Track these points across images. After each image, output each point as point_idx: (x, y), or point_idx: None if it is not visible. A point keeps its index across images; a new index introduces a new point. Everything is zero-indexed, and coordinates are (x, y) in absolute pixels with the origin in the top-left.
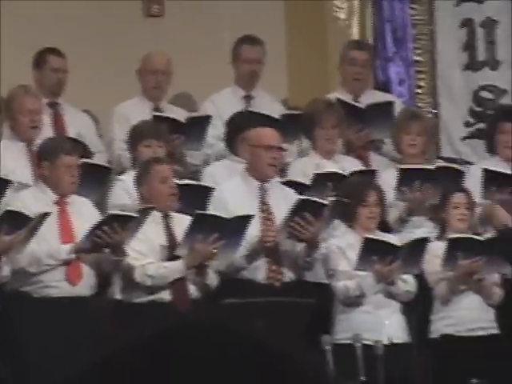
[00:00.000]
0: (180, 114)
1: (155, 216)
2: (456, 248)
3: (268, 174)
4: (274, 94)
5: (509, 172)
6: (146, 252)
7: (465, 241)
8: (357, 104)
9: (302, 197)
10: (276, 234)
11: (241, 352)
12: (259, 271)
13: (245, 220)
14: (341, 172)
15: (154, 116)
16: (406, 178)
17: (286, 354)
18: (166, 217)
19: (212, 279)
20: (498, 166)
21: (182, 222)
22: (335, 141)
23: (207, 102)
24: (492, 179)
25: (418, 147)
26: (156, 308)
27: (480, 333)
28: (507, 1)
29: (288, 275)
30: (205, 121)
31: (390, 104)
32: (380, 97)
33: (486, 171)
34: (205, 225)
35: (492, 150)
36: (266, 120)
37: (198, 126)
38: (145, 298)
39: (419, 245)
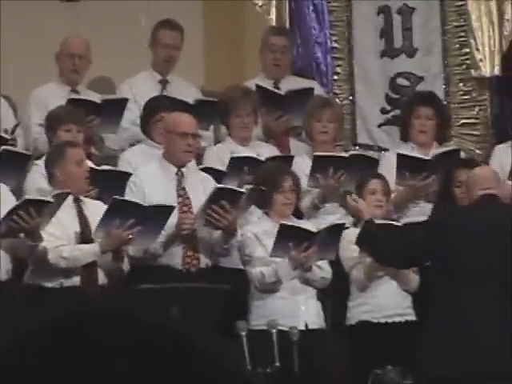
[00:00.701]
0: (97, 99)
1: (69, 201)
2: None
3: (183, 159)
4: (191, 79)
5: (422, 156)
6: (60, 236)
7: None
8: (276, 90)
9: (219, 185)
10: (193, 222)
11: (148, 338)
12: (175, 257)
13: (165, 210)
14: (257, 157)
15: (69, 99)
16: (320, 164)
17: (194, 342)
18: (78, 202)
19: (126, 265)
20: (412, 151)
21: (96, 209)
22: (250, 128)
23: (123, 84)
24: (405, 164)
25: (330, 134)
26: (67, 292)
27: (397, 319)
28: None
29: (204, 261)
30: (121, 103)
31: (309, 90)
32: (300, 82)
33: (400, 156)
34: (122, 210)
35: (406, 136)
36: (181, 105)
37: (114, 108)
38: (56, 282)
39: (335, 231)
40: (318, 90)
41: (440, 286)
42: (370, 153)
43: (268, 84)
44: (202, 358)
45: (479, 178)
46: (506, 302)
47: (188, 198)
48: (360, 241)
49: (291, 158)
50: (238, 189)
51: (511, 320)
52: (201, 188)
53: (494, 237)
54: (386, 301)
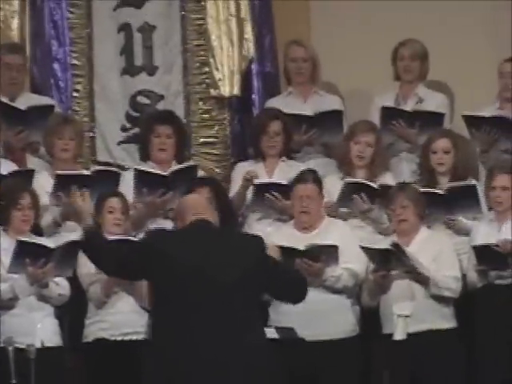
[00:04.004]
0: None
1: None
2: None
3: None
4: None
5: (159, 172)
6: None
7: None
8: (17, 106)
9: None
10: None
11: None
12: None
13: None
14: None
15: None
16: (62, 182)
17: None
18: None
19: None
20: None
21: None
22: None
23: None
24: (143, 180)
25: (71, 151)
26: None
27: (134, 337)
28: (164, 6)
29: None
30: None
31: (49, 107)
32: (36, 100)
33: (138, 172)
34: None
35: (146, 155)
36: None
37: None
38: None
39: (72, 248)
40: (56, 108)
41: (158, 306)
42: (111, 167)
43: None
44: None
45: (189, 205)
46: (232, 325)
47: None
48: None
49: (32, 171)
50: None
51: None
52: None
53: (209, 254)
54: (124, 318)
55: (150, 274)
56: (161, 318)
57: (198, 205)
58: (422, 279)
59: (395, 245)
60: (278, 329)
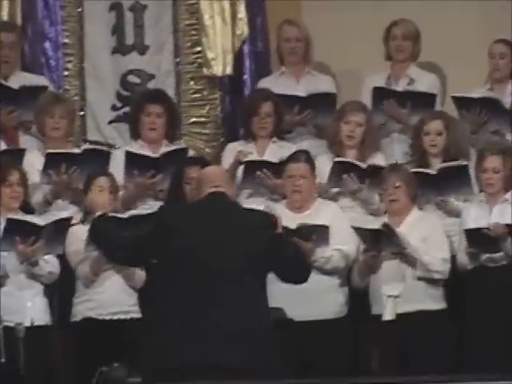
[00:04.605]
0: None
1: None
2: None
3: None
4: None
5: (150, 154)
6: None
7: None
8: (9, 85)
9: None
10: None
11: None
12: None
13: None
14: None
15: None
16: (53, 161)
17: None
18: None
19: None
20: (142, 149)
21: None
22: None
23: None
24: (134, 162)
25: (62, 130)
26: None
27: (122, 316)
28: None
29: None
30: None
31: (42, 88)
32: (29, 79)
33: (129, 153)
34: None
35: (136, 134)
36: None
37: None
38: None
39: (61, 225)
40: (49, 86)
41: (163, 282)
42: (100, 146)
43: None
44: None
45: (208, 176)
46: (236, 298)
47: None
48: (91, 236)
49: (23, 151)
50: None
51: (242, 318)
52: None
53: (219, 232)
54: (112, 297)
55: (159, 251)
56: (169, 293)
57: (216, 176)
58: (409, 261)
59: (386, 225)
60: None
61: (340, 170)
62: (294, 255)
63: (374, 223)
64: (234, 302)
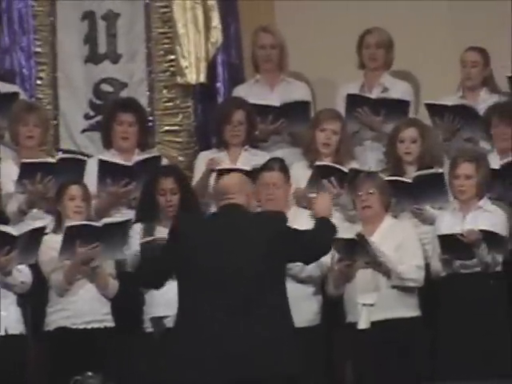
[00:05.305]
0: None
1: None
2: (73, 236)
3: None
4: None
5: (123, 162)
6: None
7: (81, 228)
8: None
9: None
10: None
11: None
12: None
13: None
14: None
15: None
16: (28, 170)
17: None
18: None
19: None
20: (114, 158)
21: None
22: None
23: None
24: (106, 170)
25: (35, 139)
26: None
27: (96, 325)
28: None
29: None
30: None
31: (14, 94)
32: (0, 87)
33: (101, 162)
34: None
35: (109, 143)
36: None
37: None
38: None
39: (35, 235)
40: (21, 95)
41: (184, 294)
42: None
43: None
44: None
45: (222, 188)
46: (250, 308)
47: None
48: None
49: None
50: None
51: (256, 328)
52: None
53: (233, 244)
54: (85, 306)
55: (179, 261)
56: (189, 305)
57: (230, 188)
58: (383, 270)
59: (360, 235)
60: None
61: (320, 174)
62: (311, 237)
63: (349, 231)
64: (260, 312)
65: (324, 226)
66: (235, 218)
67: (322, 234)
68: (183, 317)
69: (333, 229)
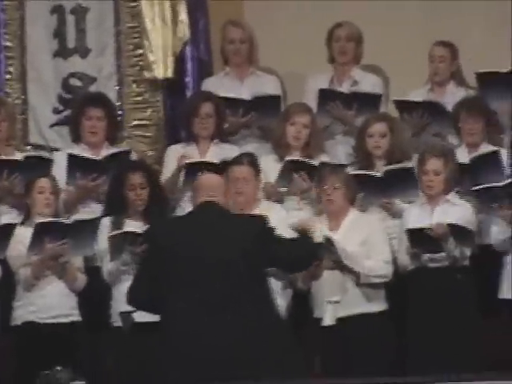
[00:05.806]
0: None
1: None
2: (42, 232)
3: None
4: None
5: (92, 157)
6: None
7: (51, 225)
8: None
9: None
10: None
11: None
12: None
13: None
14: None
15: None
16: None
17: None
18: None
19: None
20: (83, 152)
21: None
22: None
23: None
24: (76, 164)
25: (3, 133)
26: None
27: (63, 320)
28: None
29: None
30: None
31: None
32: None
33: (71, 156)
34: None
35: (78, 137)
36: None
37: None
38: None
39: (5, 230)
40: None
41: (165, 292)
42: (43, 153)
43: None
44: None
45: (201, 185)
46: (229, 303)
47: None
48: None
49: None
50: None
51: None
52: None
53: (209, 242)
54: (52, 301)
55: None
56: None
57: (209, 186)
58: (351, 271)
59: (327, 239)
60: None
61: (291, 168)
62: (290, 250)
63: (318, 225)
64: (240, 307)
65: (307, 242)
66: (214, 216)
67: (304, 248)
68: (165, 315)
69: (315, 247)
